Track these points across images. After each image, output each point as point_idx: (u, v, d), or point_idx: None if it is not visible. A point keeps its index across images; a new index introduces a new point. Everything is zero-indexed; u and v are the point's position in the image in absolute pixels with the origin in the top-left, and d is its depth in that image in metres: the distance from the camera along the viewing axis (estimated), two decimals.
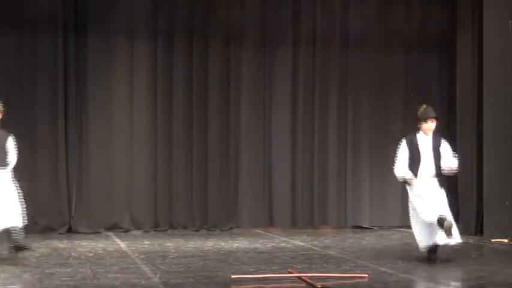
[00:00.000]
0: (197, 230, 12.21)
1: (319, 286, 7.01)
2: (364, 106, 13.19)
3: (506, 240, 10.89)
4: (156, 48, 12.29)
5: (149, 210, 12.21)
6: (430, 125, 8.82)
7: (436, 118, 8.85)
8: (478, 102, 11.80)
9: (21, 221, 8.57)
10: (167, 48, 12.32)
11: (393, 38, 13.24)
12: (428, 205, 8.66)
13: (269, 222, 12.71)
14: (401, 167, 8.88)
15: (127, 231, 11.96)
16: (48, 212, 11.74)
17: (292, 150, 12.86)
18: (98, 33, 12.00)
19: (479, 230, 11.70)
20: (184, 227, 12.25)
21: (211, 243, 10.60)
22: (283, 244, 10.61)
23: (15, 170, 8.78)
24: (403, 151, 8.89)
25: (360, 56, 13.10)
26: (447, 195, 8.89)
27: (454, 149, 9.26)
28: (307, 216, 12.85)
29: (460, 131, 12.35)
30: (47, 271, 7.92)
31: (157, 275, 7.63)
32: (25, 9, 11.72)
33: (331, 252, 9.72)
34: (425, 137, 8.85)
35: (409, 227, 12.86)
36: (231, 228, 12.42)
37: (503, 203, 11.08)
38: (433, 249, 8.76)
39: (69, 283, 7.20)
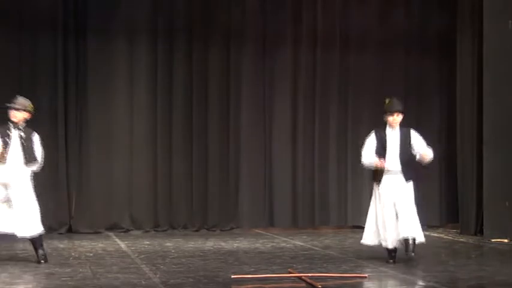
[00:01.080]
0: (197, 230, 12.21)
1: (319, 286, 7.01)
2: (364, 106, 13.18)
3: (506, 240, 10.90)
4: (156, 48, 12.28)
5: (149, 210, 12.21)
6: (395, 119, 8.73)
7: (401, 112, 8.76)
8: (478, 102, 11.80)
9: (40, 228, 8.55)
10: (167, 48, 12.32)
11: (393, 38, 13.24)
12: (389, 225, 8.60)
13: (269, 222, 12.71)
14: (368, 155, 8.76)
15: (127, 231, 11.96)
16: (48, 212, 11.72)
17: (293, 151, 12.85)
18: (98, 34, 12.00)
19: (479, 230, 11.71)
20: (185, 227, 12.25)
21: (211, 243, 10.61)
22: (283, 244, 10.61)
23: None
24: (371, 141, 8.80)
25: (360, 56, 13.09)
26: (415, 189, 8.81)
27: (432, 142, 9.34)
28: (307, 216, 12.84)
29: (460, 131, 12.34)
30: (47, 271, 7.92)
31: (157, 275, 7.64)
32: (25, 9, 11.72)
33: (331, 252, 9.73)
34: (392, 131, 8.77)
35: None
36: (231, 228, 12.42)
37: (503, 203, 11.09)
38: (394, 249, 8.72)
39: (69, 283, 7.20)
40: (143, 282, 7.24)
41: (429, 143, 13.26)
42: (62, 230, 11.69)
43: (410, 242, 8.50)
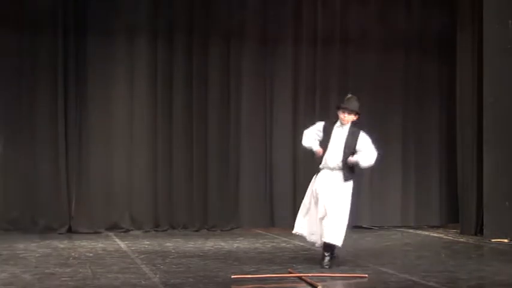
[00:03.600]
0: (197, 230, 12.20)
1: (319, 286, 7.01)
2: (364, 106, 13.11)
3: (506, 240, 10.90)
4: (156, 48, 12.28)
5: (149, 210, 12.21)
6: (346, 117, 8.33)
7: (355, 113, 8.34)
8: (478, 102, 11.80)
9: None
10: (167, 47, 12.31)
11: (393, 37, 13.24)
12: (315, 222, 8.27)
13: (270, 222, 12.70)
14: (310, 136, 8.43)
15: (127, 231, 11.95)
16: (48, 212, 11.74)
17: (293, 150, 12.84)
18: (98, 33, 12.00)
19: (479, 230, 11.71)
20: (185, 227, 12.25)
21: (211, 244, 10.60)
22: (284, 244, 10.60)
23: None
24: (317, 126, 8.46)
25: (360, 56, 13.10)
26: (354, 189, 8.40)
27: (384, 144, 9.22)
28: None
29: (460, 131, 12.34)
30: (47, 271, 7.92)
31: (157, 275, 7.64)
32: (25, 9, 11.72)
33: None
34: (341, 128, 8.38)
35: (409, 226, 13.03)
36: (231, 229, 12.41)
37: (503, 203, 11.09)
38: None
39: (69, 283, 7.20)
40: (143, 283, 7.24)
41: (429, 142, 13.48)
42: (62, 230, 11.68)
43: (325, 248, 8.20)
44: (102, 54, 12.06)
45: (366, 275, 7.69)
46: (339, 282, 7.51)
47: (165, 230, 12.11)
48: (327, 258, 8.26)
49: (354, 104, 8.40)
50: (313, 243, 8.63)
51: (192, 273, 7.84)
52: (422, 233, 12.34)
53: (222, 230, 12.28)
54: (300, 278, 7.55)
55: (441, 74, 13.39)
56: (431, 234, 12.21)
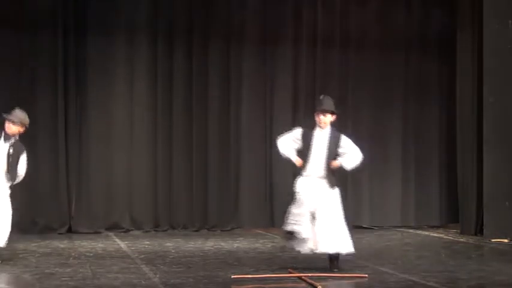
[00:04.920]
0: (197, 230, 12.21)
1: (319, 286, 7.01)
2: (364, 106, 13.19)
3: (506, 240, 10.90)
4: (156, 48, 12.29)
5: (149, 210, 12.21)
6: (323, 119, 7.93)
7: (332, 113, 7.96)
8: (478, 102, 11.80)
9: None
10: (167, 47, 12.32)
11: (393, 37, 13.24)
12: (306, 230, 7.84)
13: (270, 222, 12.70)
14: (287, 145, 8.05)
15: (127, 231, 11.96)
16: (48, 212, 11.74)
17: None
18: (98, 33, 12.01)
19: (479, 230, 11.70)
20: (185, 227, 12.25)
21: (211, 244, 10.60)
22: (283, 244, 10.58)
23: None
24: (294, 134, 8.04)
25: (360, 56, 13.10)
26: (342, 195, 8.13)
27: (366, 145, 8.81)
28: None
29: (460, 131, 12.34)
30: (47, 271, 7.92)
31: (157, 275, 7.63)
32: (25, 9, 11.72)
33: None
34: (321, 132, 7.98)
35: (409, 226, 13.02)
36: (231, 229, 12.41)
37: (503, 203, 11.09)
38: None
39: (69, 283, 7.20)
40: (143, 283, 7.24)
41: (429, 142, 13.48)
42: (62, 230, 11.69)
43: (333, 257, 7.89)
44: (102, 54, 12.06)
45: (366, 275, 7.69)
46: (339, 282, 7.50)
47: (165, 230, 12.12)
48: (334, 270, 7.89)
49: (328, 103, 7.99)
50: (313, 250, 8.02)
51: (192, 273, 7.84)
52: (422, 233, 12.34)
53: (222, 230, 12.28)
54: (300, 278, 7.55)
55: (441, 74, 13.39)
56: (431, 234, 12.21)
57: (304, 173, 8.03)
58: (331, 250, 7.89)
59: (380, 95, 13.21)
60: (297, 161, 8.03)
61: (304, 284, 7.30)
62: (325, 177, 7.97)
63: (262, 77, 12.79)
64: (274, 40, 12.80)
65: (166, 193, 12.28)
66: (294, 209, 8.02)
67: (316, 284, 7.08)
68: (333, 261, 7.97)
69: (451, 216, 13.07)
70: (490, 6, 11.38)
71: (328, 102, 8.01)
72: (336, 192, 8.03)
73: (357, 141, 13.38)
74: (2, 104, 11.66)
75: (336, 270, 7.89)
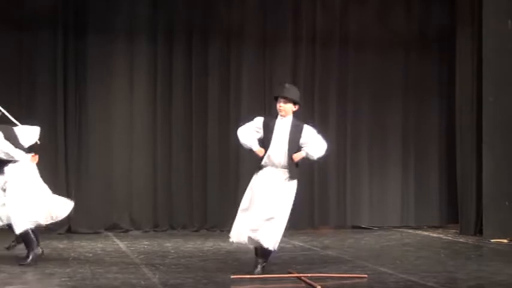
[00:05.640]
0: (197, 230, 12.20)
1: (319, 286, 7.01)
2: (364, 106, 13.19)
3: (506, 240, 10.90)
4: (156, 48, 12.27)
5: (149, 211, 12.20)
6: (281, 106, 7.69)
7: (292, 101, 7.69)
8: (477, 101, 11.80)
9: None
10: (167, 46, 12.31)
11: (393, 37, 13.24)
12: (249, 220, 7.64)
13: None
14: (248, 134, 7.81)
15: (126, 231, 11.95)
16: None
17: None
18: (98, 32, 11.99)
19: (479, 230, 11.71)
20: (184, 227, 12.24)
21: (210, 244, 10.60)
22: (283, 244, 10.52)
23: None
24: (255, 123, 7.83)
25: (360, 55, 13.09)
26: (298, 188, 7.86)
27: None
28: (306, 216, 12.81)
29: (460, 131, 12.34)
30: (46, 271, 7.92)
31: (157, 275, 7.63)
32: (25, 9, 11.71)
33: (331, 253, 9.72)
34: (282, 121, 7.74)
35: (409, 226, 13.03)
36: (231, 229, 12.37)
37: (503, 203, 11.09)
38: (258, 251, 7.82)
39: (69, 283, 7.20)
40: (142, 283, 7.24)
41: (429, 142, 13.48)
42: (61, 230, 11.66)
43: (259, 249, 7.68)
44: (102, 53, 12.05)
45: (365, 275, 7.69)
46: (339, 282, 7.49)
47: (165, 230, 12.11)
48: (259, 266, 7.71)
49: (291, 92, 7.76)
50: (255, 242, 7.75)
51: (192, 273, 7.84)
52: (421, 233, 12.34)
53: (221, 230, 12.24)
54: (299, 278, 7.55)
55: (441, 73, 13.39)
56: (431, 234, 12.21)
57: (264, 163, 7.76)
58: (264, 244, 7.59)
59: (379, 94, 13.20)
60: (258, 150, 7.76)
61: (303, 284, 7.30)
62: (286, 168, 7.72)
63: (262, 77, 12.78)
64: (274, 40, 12.79)
65: (165, 193, 12.27)
66: (242, 205, 7.89)
67: (316, 284, 7.08)
68: (259, 259, 7.72)
69: (451, 217, 13.06)
70: (490, 6, 11.37)
71: (290, 90, 7.78)
72: (293, 185, 7.77)
73: (357, 141, 13.52)
74: (2, 104, 11.69)
75: (261, 260, 7.67)
